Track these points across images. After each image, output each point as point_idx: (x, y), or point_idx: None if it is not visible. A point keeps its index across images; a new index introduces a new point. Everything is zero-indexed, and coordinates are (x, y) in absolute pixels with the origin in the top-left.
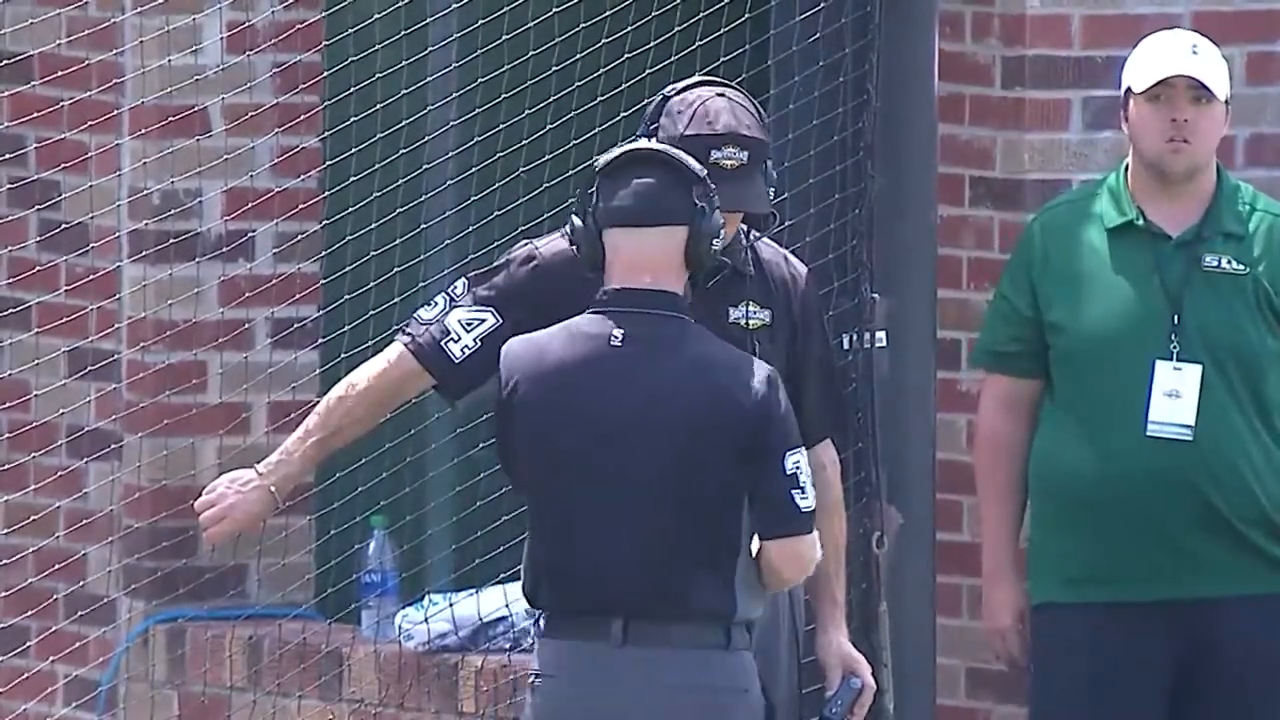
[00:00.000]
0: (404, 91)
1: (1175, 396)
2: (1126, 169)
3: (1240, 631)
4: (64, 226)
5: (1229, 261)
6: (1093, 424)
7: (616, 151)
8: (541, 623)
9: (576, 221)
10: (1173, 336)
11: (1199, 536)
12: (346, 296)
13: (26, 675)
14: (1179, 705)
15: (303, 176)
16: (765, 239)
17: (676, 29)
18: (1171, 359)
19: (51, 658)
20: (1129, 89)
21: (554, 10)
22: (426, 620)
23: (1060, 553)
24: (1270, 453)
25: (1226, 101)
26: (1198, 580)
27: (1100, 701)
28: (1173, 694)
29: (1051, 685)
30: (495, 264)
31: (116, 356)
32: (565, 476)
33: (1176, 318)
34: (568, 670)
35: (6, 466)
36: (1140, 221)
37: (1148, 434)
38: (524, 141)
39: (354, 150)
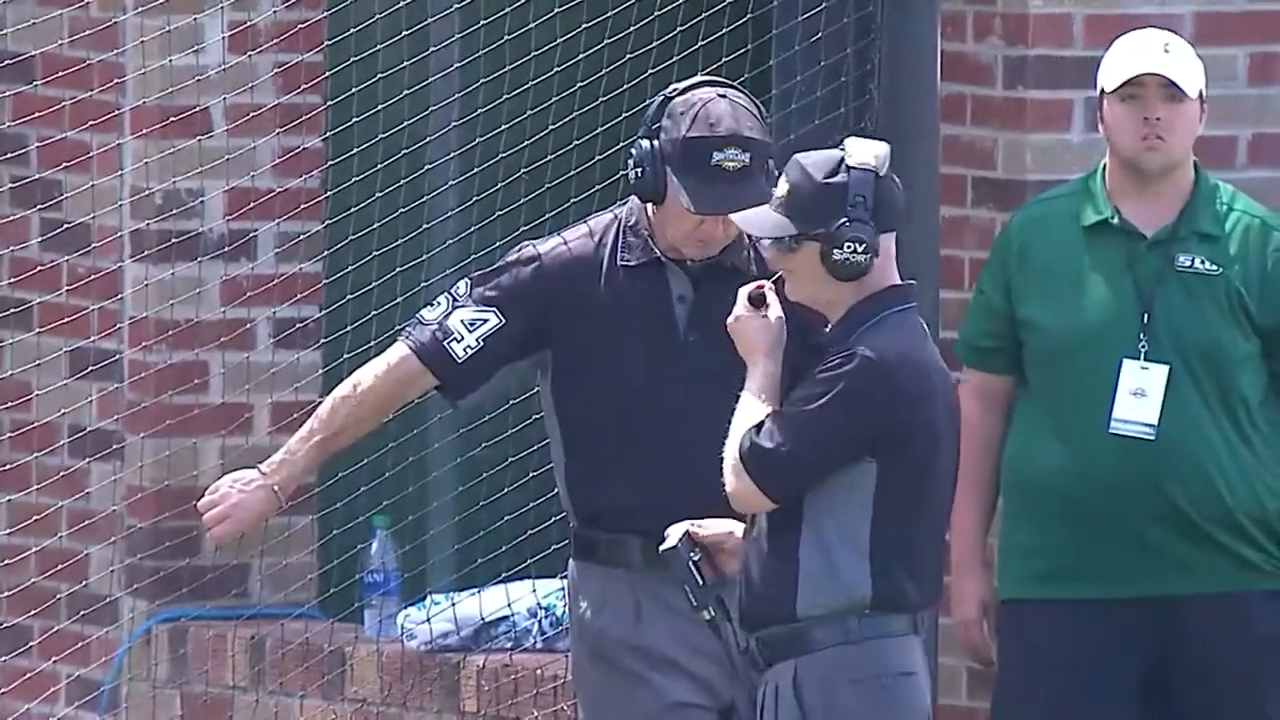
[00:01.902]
0: (406, 91)
1: (1141, 395)
2: (1104, 168)
3: (1207, 630)
4: (66, 226)
5: (1202, 262)
6: (1061, 421)
7: (884, 149)
8: (873, 624)
9: (864, 229)
10: (1141, 335)
11: (1164, 535)
12: (349, 296)
13: (29, 675)
14: (1147, 703)
15: (305, 176)
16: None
17: (678, 29)
18: (1139, 358)
19: (54, 658)
20: (1103, 89)
21: (556, 10)
22: (429, 620)
23: (1028, 549)
24: (1237, 453)
25: (1201, 99)
26: (1164, 578)
27: (1067, 698)
28: (1140, 692)
29: (1017, 682)
30: (498, 264)
31: (118, 356)
32: (943, 476)
33: (1147, 317)
34: (922, 666)
35: (8, 467)
36: (1115, 220)
37: (1110, 431)
38: (526, 142)
39: (356, 150)
